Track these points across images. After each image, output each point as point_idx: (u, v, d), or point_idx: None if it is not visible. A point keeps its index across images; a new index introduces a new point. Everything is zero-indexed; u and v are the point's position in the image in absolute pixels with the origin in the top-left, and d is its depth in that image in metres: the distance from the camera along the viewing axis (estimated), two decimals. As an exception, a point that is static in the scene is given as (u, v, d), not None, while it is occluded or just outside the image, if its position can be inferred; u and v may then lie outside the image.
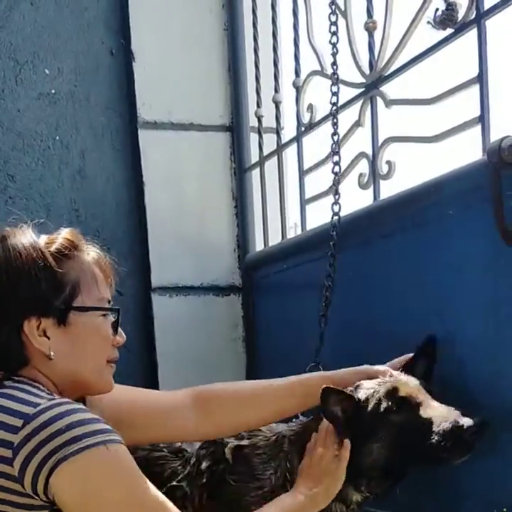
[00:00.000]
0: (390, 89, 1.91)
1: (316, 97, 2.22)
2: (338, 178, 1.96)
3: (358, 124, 2.01)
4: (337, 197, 1.94)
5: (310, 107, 2.24)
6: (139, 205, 2.64)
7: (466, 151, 1.67)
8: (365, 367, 1.65)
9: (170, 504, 1.31)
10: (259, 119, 2.54)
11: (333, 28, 1.93)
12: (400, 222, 1.83)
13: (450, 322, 1.67)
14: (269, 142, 2.54)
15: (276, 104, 2.43)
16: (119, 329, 1.47)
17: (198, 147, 2.65)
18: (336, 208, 1.94)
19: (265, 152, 2.53)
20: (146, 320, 2.64)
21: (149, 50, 2.61)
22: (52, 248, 1.40)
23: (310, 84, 2.26)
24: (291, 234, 2.41)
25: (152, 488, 1.30)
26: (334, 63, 1.94)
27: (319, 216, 2.20)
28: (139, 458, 1.66)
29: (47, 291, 1.37)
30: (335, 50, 1.94)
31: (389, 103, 1.89)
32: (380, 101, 1.92)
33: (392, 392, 1.55)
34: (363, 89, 1.98)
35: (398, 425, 1.53)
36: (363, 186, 1.97)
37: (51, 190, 2.57)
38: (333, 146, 1.96)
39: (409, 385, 1.58)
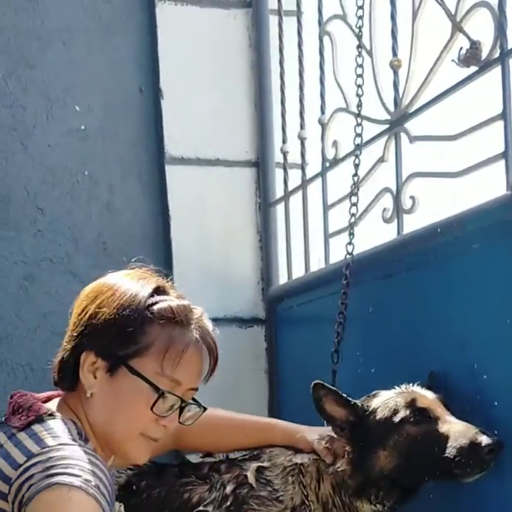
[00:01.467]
0: (414, 125, 1.93)
1: (341, 133, 2.26)
2: (355, 218, 1.99)
3: (382, 159, 2.03)
4: (351, 237, 1.98)
5: (334, 143, 2.27)
6: (165, 239, 2.68)
7: (489, 187, 1.69)
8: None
9: None
10: (285, 155, 2.59)
11: (359, 70, 1.97)
12: (423, 256, 1.84)
13: (473, 357, 1.67)
14: (294, 178, 2.57)
15: (302, 140, 2.47)
16: (173, 415, 1.42)
17: (224, 182, 2.70)
18: (350, 248, 1.99)
19: (290, 187, 2.57)
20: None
21: (177, 87, 2.67)
22: (158, 310, 1.41)
23: (335, 120, 2.29)
24: (314, 267, 2.43)
25: None
26: (359, 105, 1.97)
27: (342, 250, 2.23)
28: (169, 484, 1.71)
29: (120, 340, 1.39)
30: (360, 92, 1.98)
31: (413, 139, 1.92)
32: (404, 137, 1.95)
33: (410, 403, 1.56)
34: (387, 126, 2.01)
35: (413, 436, 1.54)
36: (386, 220, 1.99)
37: (79, 224, 2.62)
38: (353, 187, 1.99)
39: (428, 397, 1.59)
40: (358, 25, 1.95)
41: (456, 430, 1.50)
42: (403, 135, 1.96)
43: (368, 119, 2.05)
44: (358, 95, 1.95)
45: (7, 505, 1.24)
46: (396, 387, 1.65)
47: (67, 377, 1.42)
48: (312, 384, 1.60)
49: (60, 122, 2.61)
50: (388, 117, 2.01)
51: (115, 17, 2.66)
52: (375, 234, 2.06)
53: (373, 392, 1.66)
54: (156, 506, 1.64)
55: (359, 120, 1.96)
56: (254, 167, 2.72)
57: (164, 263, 2.67)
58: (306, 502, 1.64)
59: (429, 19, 1.83)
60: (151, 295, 1.43)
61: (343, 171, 2.25)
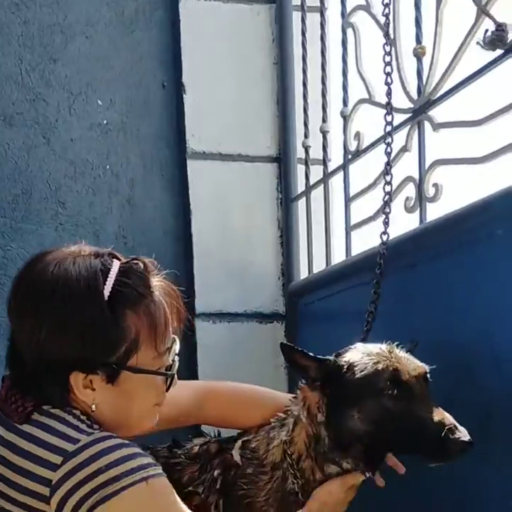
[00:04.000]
0: (438, 112, 1.92)
1: (363, 125, 2.25)
2: (390, 206, 1.95)
3: (404, 149, 2.02)
4: (386, 226, 1.93)
5: (357, 135, 2.26)
6: (185, 234, 2.68)
7: (514, 171, 1.67)
8: None
9: None
10: (306, 149, 2.58)
11: (388, 58, 1.94)
12: (447, 244, 1.82)
13: (499, 345, 1.64)
14: (315, 173, 2.57)
15: (324, 133, 2.47)
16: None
17: (246, 177, 2.70)
18: (385, 237, 1.94)
19: (311, 182, 2.56)
20: (189, 345, 2.64)
21: (200, 82, 2.68)
22: (119, 296, 1.27)
23: (357, 112, 2.28)
24: (335, 261, 2.41)
25: None
26: (389, 93, 1.94)
27: (363, 243, 2.22)
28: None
29: (100, 348, 1.27)
30: (389, 80, 1.94)
31: (436, 127, 1.90)
32: (427, 125, 1.94)
33: (393, 374, 1.53)
34: (410, 115, 1.99)
35: (391, 410, 1.51)
36: (409, 210, 1.98)
37: (100, 218, 2.63)
38: (386, 175, 1.95)
39: (411, 371, 1.55)
40: (384, 13, 1.94)
41: (434, 418, 1.48)
42: (427, 123, 1.94)
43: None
44: (386, 84, 1.92)
45: (47, 506, 1.21)
46: (378, 345, 1.61)
47: (58, 400, 1.29)
48: (280, 346, 1.61)
49: (82, 116, 2.62)
50: (411, 106, 2.00)
51: (138, 12, 2.67)
52: (397, 225, 2.03)
53: (348, 347, 1.64)
54: None
55: (389, 108, 1.93)
56: (276, 162, 2.72)
57: (185, 258, 2.68)
58: (285, 456, 1.62)
59: (454, 4, 1.81)
60: (103, 283, 1.27)
61: (364, 163, 2.24)
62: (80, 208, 2.61)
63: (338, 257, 2.42)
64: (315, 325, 2.54)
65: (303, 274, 2.66)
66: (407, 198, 1.98)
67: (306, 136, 2.59)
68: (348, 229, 2.30)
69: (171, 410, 1.59)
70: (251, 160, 2.71)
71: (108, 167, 2.64)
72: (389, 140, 1.92)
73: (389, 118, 1.94)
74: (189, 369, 2.62)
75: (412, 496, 1.84)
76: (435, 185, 1.90)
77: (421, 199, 1.94)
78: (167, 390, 1.39)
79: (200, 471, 1.68)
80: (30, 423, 1.26)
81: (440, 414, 1.49)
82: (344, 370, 1.58)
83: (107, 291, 1.27)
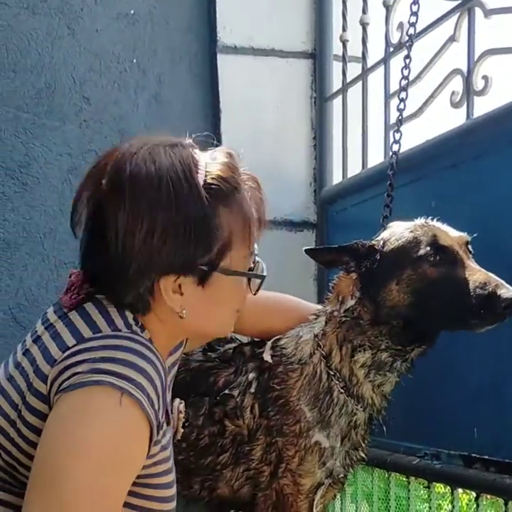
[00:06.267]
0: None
1: (406, 16, 2.08)
2: (402, 115, 1.86)
3: (452, 39, 1.89)
4: (398, 135, 1.86)
5: (400, 26, 2.12)
6: (214, 133, 2.56)
7: None
8: None
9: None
10: (344, 43, 2.45)
11: None
12: (494, 141, 1.70)
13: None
14: (351, 71, 2.44)
15: (364, 25, 2.32)
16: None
17: (278, 74, 2.57)
18: (396, 147, 1.87)
19: (348, 79, 2.43)
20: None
21: (233, -30, 2.53)
22: (213, 186, 1.16)
23: (401, 2, 2.13)
24: (372, 164, 2.29)
25: (117, 488, 1.09)
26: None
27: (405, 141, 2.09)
28: (193, 369, 1.69)
29: (196, 248, 1.16)
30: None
31: (489, 13, 1.76)
32: (478, 11, 1.79)
33: (432, 239, 1.47)
34: (460, 1, 1.84)
35: (431, 276, 1.46)
36: (455, 105, 1.85)
37: (125, 115, 2.51)
38: (402, 80, 1.85)
39: (450, 235, 1.50)
40: None
41: (477, 278, 1.43)
42: (477, 10, 1.79)
43: (439, -4, 1.88)
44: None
45: (44, 387, 1.14)
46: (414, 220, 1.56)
47: (140, 304, 1.20)
48: (305, 252, 1.59)
49: (108, 6, 2.47)
50: (461, -9, 1.84)
51: None
52: (442, 122, 1.91)
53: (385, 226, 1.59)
54: (182, 391, 1.57)
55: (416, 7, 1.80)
56: (311, 58, 2.59)
57: (213, 160, 2.57)
58: (316, 350, 1.60)
59: None
60: (196, 172, 1.17)
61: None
62: (105, 104, 2.49)
63: (375, 159, 2.30)
64: (348, 233, 2.41)
65: (336, 179, 2.55)
66: (454, 92, 1.88)
67: (344, 29, 2.45)
68: (388, 128, 2.17)
69: None
70: (285, 55, 2.58)
71: (135, 61, 2.51)
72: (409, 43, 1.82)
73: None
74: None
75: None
76: (484, 77, 1.79)
77: (468, 93, 1.82)
78: (256, 292, 1.28)
79: (235, 374, 1.66)
80: (77, 310, 1.20)
81: (484, 275, 1.43)
82: (379, 246, 1.53)
83: (200, 183, 1.16)
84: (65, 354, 1.13)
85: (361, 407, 1.58)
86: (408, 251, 1.48)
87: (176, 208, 1.14)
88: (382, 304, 1.50)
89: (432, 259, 1.46)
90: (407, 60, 1.85)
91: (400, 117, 1.86)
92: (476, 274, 1.43)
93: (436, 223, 1.53)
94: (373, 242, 1.55)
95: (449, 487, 1.86)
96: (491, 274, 1.43)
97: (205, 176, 1.17)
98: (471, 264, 1.46)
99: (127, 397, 1.08)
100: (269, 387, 1.61)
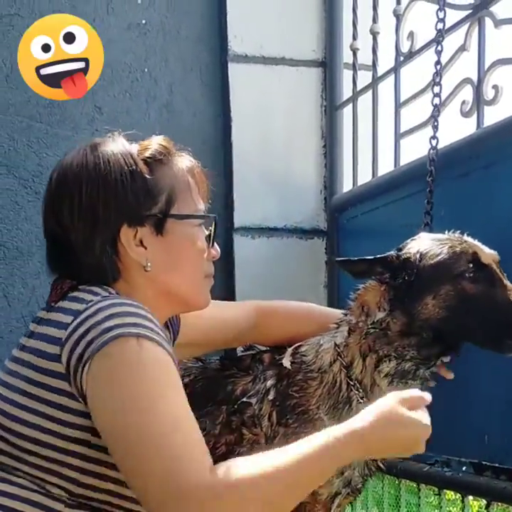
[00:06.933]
0: (499, 8, 1.78)
1: (417, 25, 2.10)
2: (439, 109, 1.85)
3: (463, 48, 1.89)
4: (435, 130, 1.84)
5: (410, 35, 2.12)
6: (225, 142, 2.58)
7: None
8: None
9: (188, 429, 1.15)
10: (354, 52, 2.45)
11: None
12: (504, 150, 1.71)
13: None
14: (362, 79, 2.44)
15: (374, 34, 2.33)
16: (215, 243, 1.41)
17: (289, 83, 2.58)
18: (434, 142, 1.84)
19: (359, 87, 2.44)
20: (227, 260, 2.57)
21: (243, -20, 2.54)
22: (146, 154, 1.33)
23: (411, 11, 2.14)
24: (382, 172, 2.30)
25: (175, 402, 1.16)
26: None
27: (413, 152, 2.10)
28: (210, 377, 1.68)
29: (142, 198, 1.31)
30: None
31: (498, 23, 1.77)
32: (488, 21, 1.79)
33: (473, 256, 1.46)
34: (470, 11, 1.85)
35: (470, 293, 1.45)
36: (465, 114, 1.86)
37: (137, 124, 2.52)
38: (436, 75, 1.84)
39: (488, 254, 1.49)
40: None
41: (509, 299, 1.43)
42: (487, 20, 1.80)
43: (449, 6, 1.89)
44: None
45: (60, 366, 1.19)
46: (444, 234, 1.55)
47: (109, 271, 1.31)
48: (336, 263, 1.60)
49: (120, 16, 2.51)
50: (471, 1, 1.85)
51: None
52: (452, 131, 1.91)
53: (410, 239, 1.57)
54: (200, 400, 1.58)
55: (441, 3, 1.79)
56: (321, 67, 2.59)
57: (224, 167, 2.58)
58: (337, 359, 1.58)
59: None
60: (130, 144, 1.35)
61: (418, 65, 2.10)
62: (117, 113, 2.52)
63: (385, 168, 2.31)
64: (358, 241, 2.45)
65: (346, 187, 2.55)
66: (464, 102, 1.88)
67: (354, 38, 2.45)
68: (398, 137, 2.18)
69: (226, 333, 1.65)
70: (295, 64, 2.58)
71: (146, 70, 2.54)
72: (440, 38, 1.81)
73: (441, 14, 1.83)
74: (226, 285, 2.56)
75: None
76: (495, 86, 1.79)
77: (479, 102, 1.83)
78: (212, 244, 1.39)
79: (253, 382, 1.65)
80: (65, 299, 1.27)
81: None
82: (414, 258, 1.51)
83: (134, 151, 1.33)
84: (68, 331, 1.19)
85: None
86: (448, 266, 1.46)
87: (109, 168, 1.29)
88: (416, 316, 1.49)
89: (472, 276, 1.45)
90: (439, 55, 1.84)
91: (437, 111, 1.84)
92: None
93: (472, 240, 1.52)
94: (408, 254, 1.53)
95: (459, 494, 1.87)
96: None
97: (139, 146, 1.34)
98: (508, 283, 1.46)
99: (143, 339, 1.16)
100: (287, 394, 1.60)
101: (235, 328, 1.67)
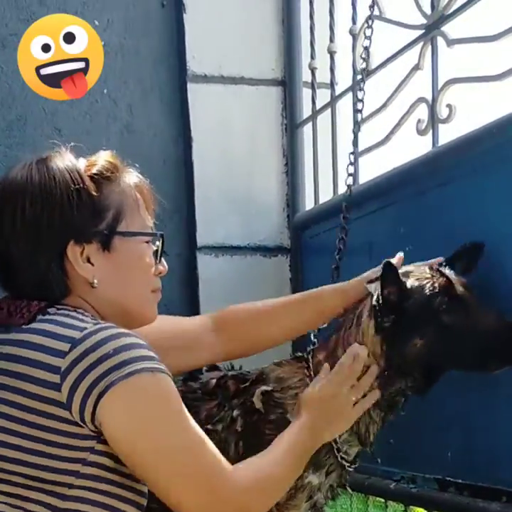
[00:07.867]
0: (452, 28, 1.81)
1: (374, 43, 2.11)
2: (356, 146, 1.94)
3: (416, 67, 1.91)
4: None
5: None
6: (186, 161, 2.58)
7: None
8: (373, 270, 1.61)
9: (209, 442, 1.26)
10: (313, 71, 2.47)
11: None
12: (460, 168, 1.72)
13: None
14: (321, 98, 2.46)
15: (331, 54, 2.35)
16: (162, 259, 1.42)
17: (249, 102, 2.59)
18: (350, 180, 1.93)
19: (318, 106, 2.45)
20: (190, 280, 2.57)
21: (201, 1, 2.54)
22: (93, 171, 1.34)
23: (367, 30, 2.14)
24: (343, 190, 2.31)
25: (194, 423, 1.26)
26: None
27: (373, 168, 2.12)
28: None
29: (88, 216, 1.31)
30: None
31: (451, 43, 1.79)
32: (441, 41, 1.82)
33: (447, 289, 1.48)
34: (423, 31, 1.88)
35: (451, 326, 1.46)
36: (421, 132, 1.88)
37: (98, 145, 2.46)
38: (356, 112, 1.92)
39: (459, 283, 1.51)
40: None
41: (490, 322, 1.47)
42: (440, 39, 1.83)
43: (403, 25, 1.93)
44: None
45: (58, 394, 1.19)
46: (423, 264, 1.56)
47: (56, 287, 1.31)
48: (383, 262, 1.49)
49: (78, 38, 2.49)
50: (424, 21, 1.88)
51: None
52: (409, 149, 1.94)
53: (403, 270, 1.54)
54: None
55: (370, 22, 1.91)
56: (281, 86, 2.61)
57: (185, 187, 2.58)
58: None
59: None
60: (77, 159, 1.37)
61: (375, 83, 2.12)
62: (77, 135, 2.49)
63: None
64: (321, 258, 2.44)
65: (308, 205, 2.56)
66: (419, 120, 1.89)
67: (312, 57, 2.47)
68: (357, 155, 2.19)
69: (185, 339, 1.64)
70: (254, 83, 2.59)
71: (105, 91, 2.53)
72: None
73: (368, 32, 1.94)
74: (190, 304, 2.56)
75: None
76: (449, 105, 1.81)
77: (434, 120, 1.84)
78: (159, 260, 1.41)
79: (218, 408, 1.63)
80: (37, 321, 1.26)
81: (501, 317, 1.47)
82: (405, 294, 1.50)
83: (82, 167, 1.34)
84: (69, 361, 1.18)
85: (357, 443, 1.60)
86: (431, 304, 1.48)
87: (52, 185, 1.29)
88: (405, 359, 1.50)
89: (451, 309, 1.47)
90: (359, 104, 1.93)
91: (354, 152, 1.93)
92: (489, 317, 1.47)
93: (446, 270, 1.53)
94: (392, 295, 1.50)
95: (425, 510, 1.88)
96: (498, 313, 1.48)
97: (87, 162, 1.36)
98: (480, 305, 1.49)
99: (157, 373, 1.21)
100: (258, 429, 1.58)
101: (194, 329, 1.66)
